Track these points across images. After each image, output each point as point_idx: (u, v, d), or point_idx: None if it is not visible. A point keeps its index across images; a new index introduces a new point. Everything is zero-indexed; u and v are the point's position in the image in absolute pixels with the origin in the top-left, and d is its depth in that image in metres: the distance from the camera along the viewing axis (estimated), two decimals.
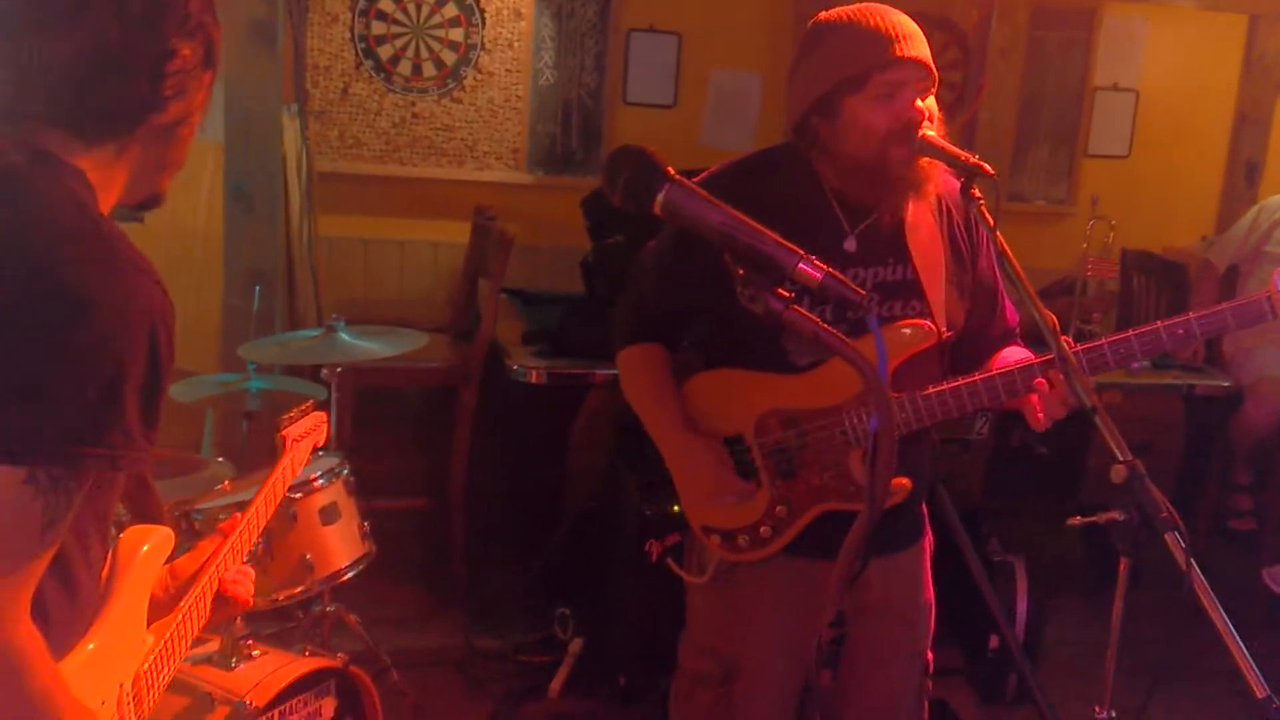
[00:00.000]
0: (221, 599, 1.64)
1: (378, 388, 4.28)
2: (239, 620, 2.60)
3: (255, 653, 2.61)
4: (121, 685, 1.40)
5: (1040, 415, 1.96)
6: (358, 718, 2.73)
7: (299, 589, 2.73)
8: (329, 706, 2.64)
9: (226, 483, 2.79)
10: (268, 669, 2.52)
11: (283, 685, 2.47)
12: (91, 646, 1.36)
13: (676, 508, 2.17)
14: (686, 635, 2.30)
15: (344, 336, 3.05)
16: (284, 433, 2.06)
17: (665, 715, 2.35)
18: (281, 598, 2.73)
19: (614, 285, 3.70)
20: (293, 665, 2.54)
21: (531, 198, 5.13)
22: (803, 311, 1.29)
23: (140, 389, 1.14)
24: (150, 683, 1.45)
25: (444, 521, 4.11)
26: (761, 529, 2.12)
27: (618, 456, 3.65)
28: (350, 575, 2.83)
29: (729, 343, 2.12)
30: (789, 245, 1.31)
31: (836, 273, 1.30)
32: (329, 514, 2.78)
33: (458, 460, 4.03)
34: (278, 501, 1.98)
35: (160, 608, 1.54)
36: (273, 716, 2.48)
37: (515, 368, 3.81)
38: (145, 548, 1.45)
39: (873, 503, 1.29)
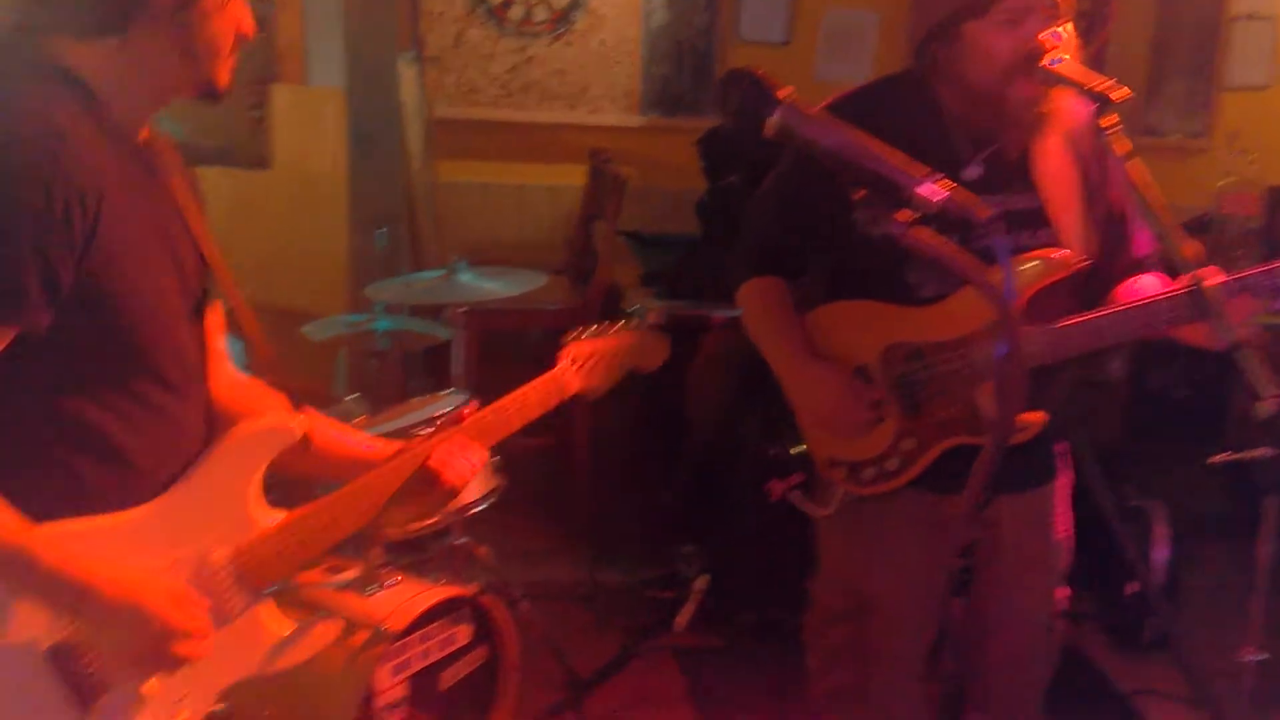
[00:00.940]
0: (432, 481, 1.59)
1: (500, 329, 4.36)
2: (376, 549, 2.71)
3: (392, 581, 2.71)
4: (206, 555, 1.40)
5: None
6: (492, 646, 2.82)
7: (430, 521, 2.81)
8: (463, 634, 2.73)
9: (362, 418, 2.88)
10: (404, 596, 2.62)
11: (418, 612, 2.56)
12: (148, 512, 1.37)
13: (797, 448, 2.19)
14: (818, 571, 2.31)
15: (466, 277, 3.10)
16: (565, 349, 1.89)
17: (789, 652, 2.37)
18: (415, 529, 2.82)
19: (730, 226, 3.69)
20: (428, 593, 2.63)
21: (645, 140, 5.12)
22: (924, 234, 1.27)
23: (38, 251, 1.20)
24: (264, 562, 1.44)
25: (568, 459, 4.19)
26: (888, 462, 2.11)
27: (738, 397, 3.66)
28: (480, 509, 2.90)
29: (851, 275, 2.10)
30: (909, 165, 1.27)
31: (960, 191, 1.26)
32: None
33: (580, 400, 4.09)
34: (524, 416, 1.82)
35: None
36: (409, 642, 2.58)
37: (633, 308, 3.86)
38: (244, 430, 1.46)
39: (998, 434, 1.27)
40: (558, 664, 3.23)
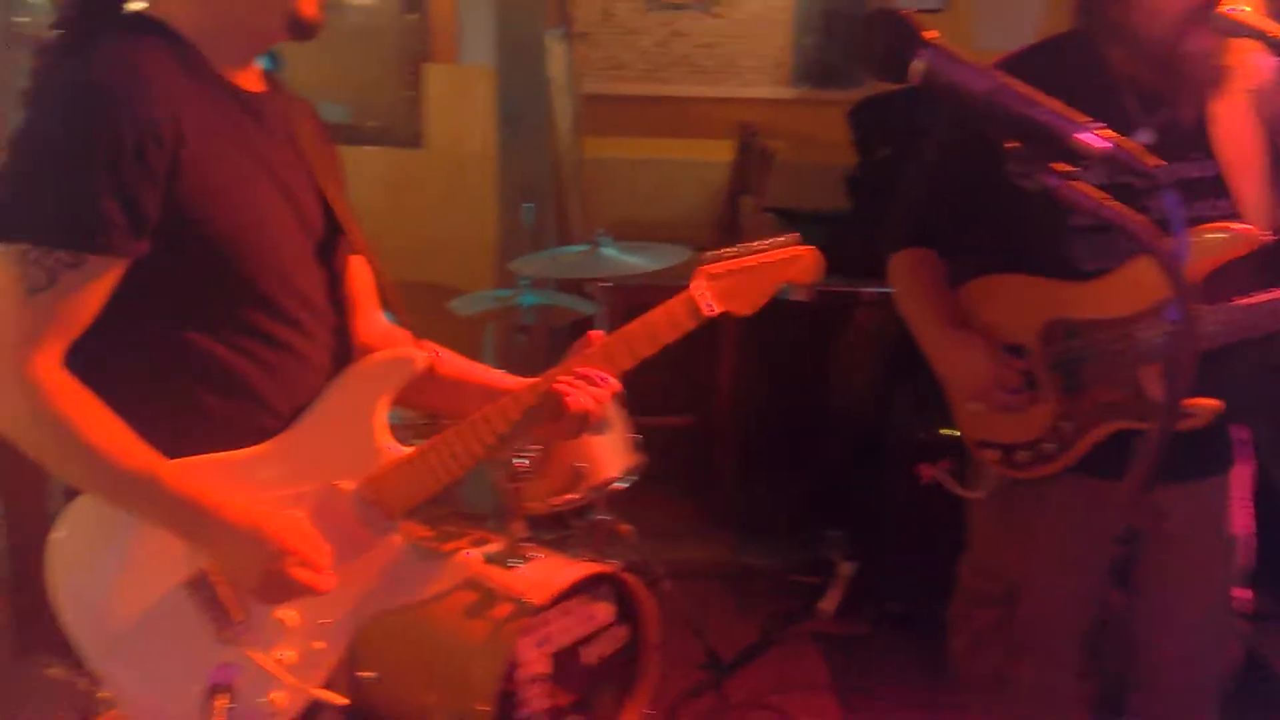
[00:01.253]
0: (557, 409, 1.48)
1: (644, 305, 4.33)
2: (519, 523, 2.72)
3: (534, 555, 2.72)
4: (332, 489, 1.41)
5: None
6: (633, 624, 2.81)
7: (571, 496, 2.81)
8: (605, 611, 2.72)
9: None
10: (546, 571, 2.62)
11: (561, 587, 2.56)
12: (273, 447, 1.40)
13: (949, 430, 2.09)
14: (968, 553, 2.22)
15: (609, 251, 3.09)
16: (699, 269, 1.64)
17: (938, 644, 2.29)
18: (557, 503, 2.83)
19: (882, 200, 3.58)
20: (570, 569, 2.63)
21: (795, 113, 5.01)
22: (1083, 186, 1.17)
23: (114, 183, 1.24)
24: (390, 494, 1.44)
25: (711, 439, 4.15)
26: (1045, 446, 2.00)
27: (888, 377, 3.56)
28: (621, 485, 2.89)
29: (1007, 248, 1.99)
30: (1067, 111, 1.18)
31: (1125, 140, 1.16)
32: (599, 424, 2.84)
33: (723, 379, 4.05)
34: (655, 342, 1.59)
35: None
36: (551, 615, 2.58)
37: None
38: (366, 363, 1.47)
39: (1165, 420, 1.16)
40: (699, 645, 3.20)
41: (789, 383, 4.28)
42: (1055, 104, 1.18)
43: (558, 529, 3.50)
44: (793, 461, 4.11)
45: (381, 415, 1.46)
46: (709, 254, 1.61)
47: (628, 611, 2.78)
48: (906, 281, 2.12)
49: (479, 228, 4.11)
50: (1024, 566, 2.09)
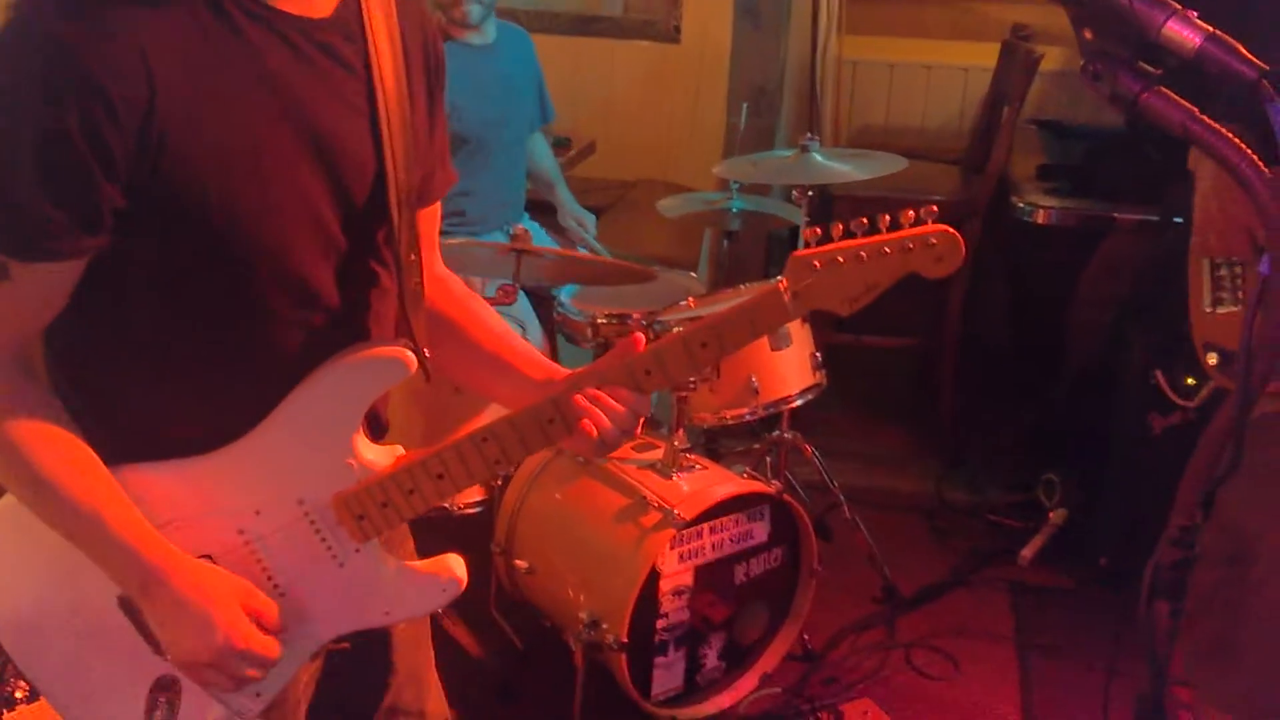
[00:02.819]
0: (571, 428, 1.25)
1: (852, 215, 4.10)
2: (680, 433, 2.67)
3: (695, 467, 2.67)
4: (304, 500, 1.24)
5: None
6: (792, 548, 2.72)
7: (743, 410, 2.72)
8: (761, 531, 2.64)
9: (691, 300, 2.82)
10: (702, 484, 2.56)
11: (713, 502, 2.50)
12: (245, 449, 1.22)
13: (1191, 379, 1.83)
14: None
15: (816, 158, 2.90)
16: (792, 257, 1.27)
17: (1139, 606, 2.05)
18: (729, 416, 2.74)
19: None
20: (727, 484, 2.56)
21: None
22: (1168, 93, 0.95)
23: (45, 169, 1.05)
24: (367, 511, 1.25)
25: (934, 365, 3.92)
26: None
27: (1128, 313, 3.20)
28: (798, 403, 2.77)
29: None
30: None
31: (1221, 34, 0.94)
32: (778, 338, 2.72)
33: (954, 302, 3.79)
34: (712, 353, 1.28)
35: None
36: (701, 530, 2.53)
37: (1021, 205, 3.47)
38: (351, 360, 1.24)
39: (1247, 372, 0.95)
40: (879, 576, 3.06)
41: (1023, 312, 3.96)
42: None
43: (741, 441, 3.43)
44: (1015, 396, 3.82)
45: (361, 421, 1.25)
46: (811, 234, 1.24)
47: (786, 534, 2.68)
48: None
49: (709, 126, 4.00)
50: (1262, 525, 1.83)
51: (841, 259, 1.23)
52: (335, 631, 1.30)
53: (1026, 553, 3.23)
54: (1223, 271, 1.92)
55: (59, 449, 1.15)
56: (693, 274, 3.13)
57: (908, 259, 1.23)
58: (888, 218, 1.23)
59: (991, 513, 3.44)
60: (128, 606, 1.22)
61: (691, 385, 2.61)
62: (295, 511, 1.24)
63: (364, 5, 1.22)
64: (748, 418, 2.75)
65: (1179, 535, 1.24)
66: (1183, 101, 0.96)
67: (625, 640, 2.40)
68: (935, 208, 1.22)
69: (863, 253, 1.23)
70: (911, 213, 1.22)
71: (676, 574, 2.52)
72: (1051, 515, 3.29)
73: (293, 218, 1.17)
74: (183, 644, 1.17)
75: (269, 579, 1.26)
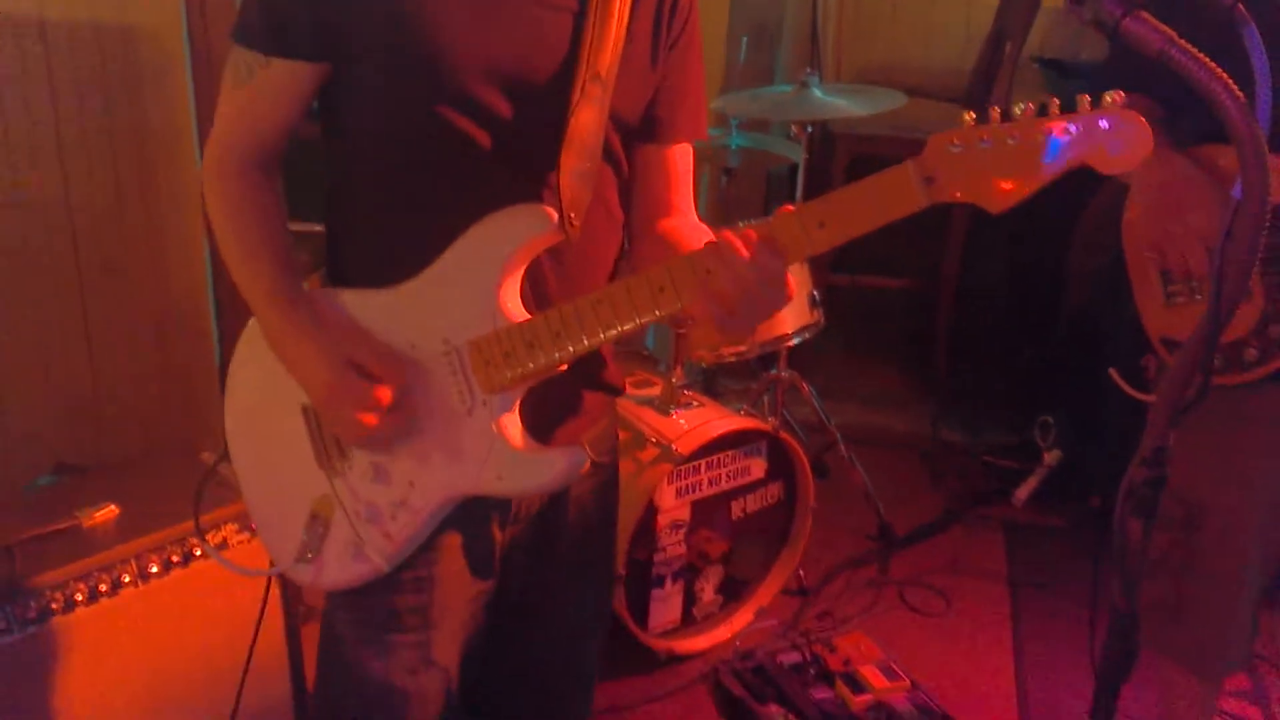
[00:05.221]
0: (676, 292, 1.21)
1: (873, 156, 4.07)
2: (679, 370, 2.67)
3: (693, 404, 2.68)
4: (446, 343, 1.31)
5: None
6: (789, 485, 2.74)
7: (741, 346, 2.72)
8: (758, 467, 2.66)
9: None
10: (700, 420, 2.57)
11: (710, 438, 2.51)
12: (407, 291, 1.31)
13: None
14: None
15: (816, 93, 2.87)
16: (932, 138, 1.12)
17: None
18: (727, 353, 2.74)
19: None
20: (724, 421, 2.57)
21: None
22: (1148, 18, 0.94)
23: None
24: (492, 360, 1.29)
25: (931, 306, 3.91)
26: (1247, 350, 1.73)
27: (1123, 259, 3.20)
28: (795, 341, 2.77)
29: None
30: None
31: None
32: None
33: (953, 243, 3.78)
34: (849, 229, 1.15)
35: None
36: (698, 466, 2.55)
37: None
38: (495, 217, 1.29)
39: (1218, 295, 0.95)
40: (874, 515, 3.09)
41: (1022, 254, 3.95)
42: None
43: (739, 380, 3.44)
44: (1013, 338, 3.82)
45: (510, 273, 1.29)
46: (968, 117, 1.08)
47: (783, 470, 2.70)
48: None
49: (709, 63, 3.94)
50: (1207, 490, 1.85)
51: (985, 139, 1.07)
52: (458, 485, 1.34)
53: (1020, 493, 3.26)
54: (1177, 285, 1.91)
55: (254, 229, 1.34)
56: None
57: (1080, 146, 1.04)
58: (1058, 101, 1.05)
59: (987, 453, 3.46)
60: (308, 414, 1.38)
61: (690, 320, 2.61)
62: (440, 350, 1.31)
63: None
64: (746, 355, 2.75)
65: (1151, 456, 1.25)
66: (1162, 26, 0.95)
67: (623, 573, 2.43)
68: (1121, 94, 1.02)
69: (1012, 138, 1.06)
70: (1088, 98, 1.04)
71: (674, 509, 2.54)
72: (1046, 456, 3.32)
73: (476, 67, 1.26)
74: (310, 379, 1.33)
75: (413, 413, 1.33)
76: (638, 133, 1.42)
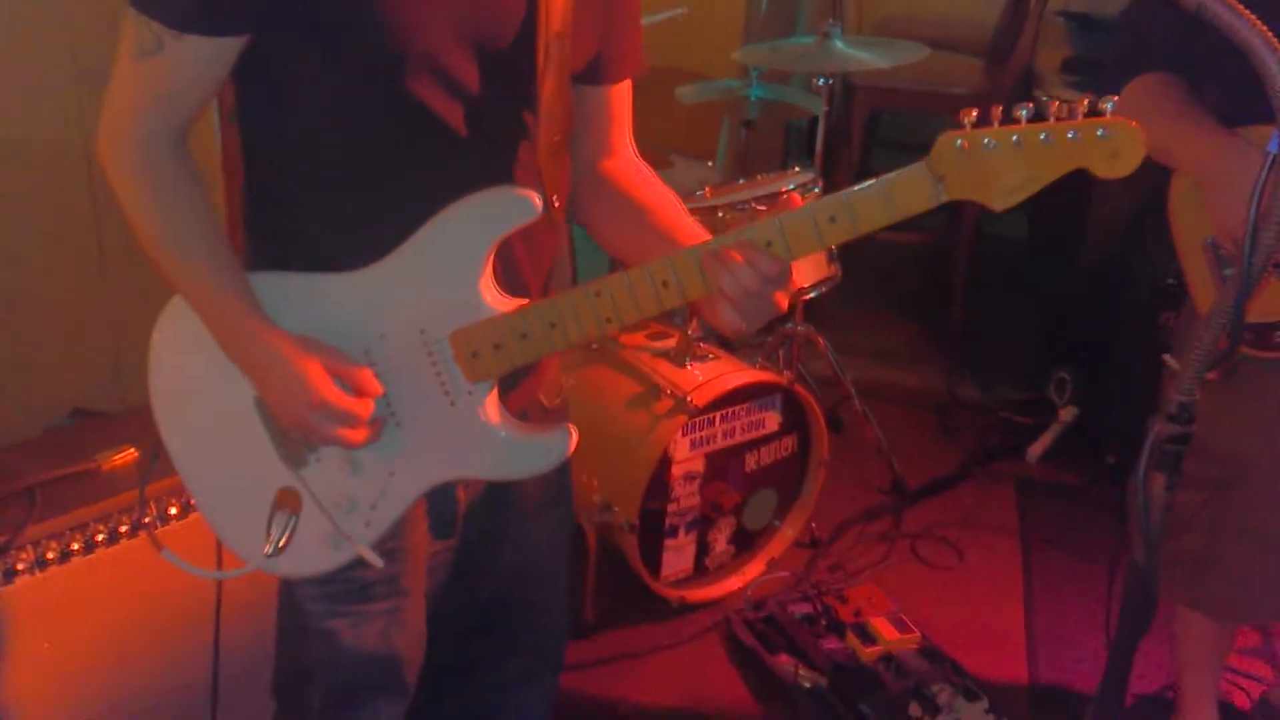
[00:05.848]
0: (680, 289, 1.20)
1: (894, 109, 4.04)
2: (695, 323, 2.67)
3: (709, 356, 2.67)
4: (423, 332, 1.25)
5: None
6: (803, 438, 2.74)
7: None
8: (772, 420, 2.66)
9: (708, 189, 2.78)
10: (715, 373, 2.57)
11: (725, 390, 2.51)
12: (376, 274, 1.25)
13: None
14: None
15: (838, 44, 2.84)
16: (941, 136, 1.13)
17: None
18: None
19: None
20: (739, 374, 2.57)
21: None
22: None
23: None
24: (479, 351, 1.25)
25: (947, 260, 3.89)
26: (1276, 334, 1.73)
27: (1150, 209, 3.16)
28: (811, 294, 2.76)
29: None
30: None
31: None
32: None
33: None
34: (867, 222, 1.16)
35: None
36: (713, 418, 2.55)
37: (1044, 99, 3.40)
38: (477, 198, 1.23)
39: (1251, 251, 0.93)
40: (887, 469, 3.09)
41: (1042, 207, 3.92)
42: None
43: (757, 334, 3.42)
44: (1029, 292, 3.80)
45: (489, 259, 1.25)
46: (966, 115, 1.10)
47: (797, 423, 2.70)
48: (1155, 100, 1.78)
49: (730, 12, 3.90)
50: (1243, 453, 1.86)
51: (990, 143, 1.10)
52: (442, 474, 1.33)
53: (1035, 449, 3.25)
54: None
55: (181, 208, 1.23)
56: (710, 163, 3.09)
57: (1073, 151, 1.08)
58: (1057, 104, 1.10)
59: (1001, 409, 3.45)
60: (262, 408, 1.29)
61: None
62: (416, 340, 1.27)
63: None
64: None
65: (1177, 411, 1.25)
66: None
67: (636, 523, 2.44)
68: (1116, 97, 1.07)
69: (1016, 138, 1.09)
70: (1086, 101, 1.09)
71: (688, 460, 2.54)
72: (1061, 413, 3.31)
73: (437, 34, 1.18)
74: (284, 401, 1.24)
75: (387, 404, 1.29)
76: (581, 76, 1.36)
